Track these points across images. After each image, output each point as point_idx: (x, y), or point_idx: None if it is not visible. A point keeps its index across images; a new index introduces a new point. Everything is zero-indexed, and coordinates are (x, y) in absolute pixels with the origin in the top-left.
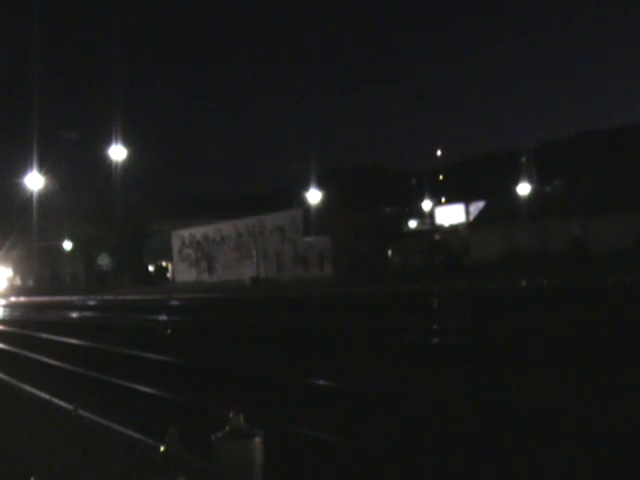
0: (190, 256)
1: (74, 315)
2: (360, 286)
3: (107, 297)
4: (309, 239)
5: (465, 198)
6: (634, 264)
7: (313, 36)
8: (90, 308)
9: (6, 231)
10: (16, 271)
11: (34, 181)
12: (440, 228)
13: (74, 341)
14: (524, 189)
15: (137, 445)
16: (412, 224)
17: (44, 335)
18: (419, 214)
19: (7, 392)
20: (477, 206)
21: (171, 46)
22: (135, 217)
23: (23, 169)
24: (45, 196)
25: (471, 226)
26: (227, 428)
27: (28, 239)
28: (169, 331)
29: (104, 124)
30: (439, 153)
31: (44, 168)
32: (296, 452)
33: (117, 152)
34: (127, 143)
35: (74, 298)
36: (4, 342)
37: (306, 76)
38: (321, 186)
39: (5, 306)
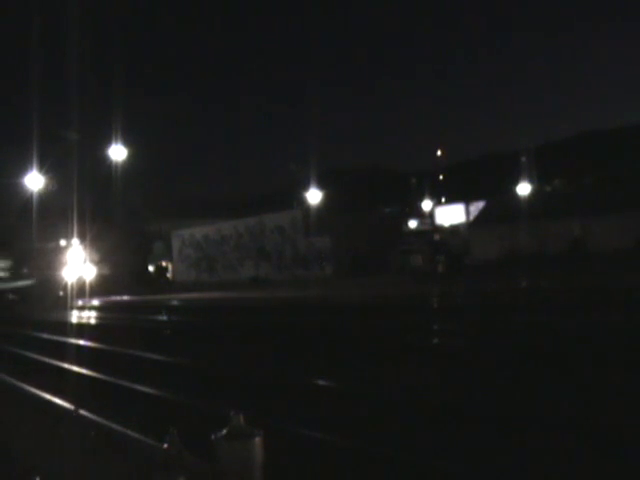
0: (190, 256)
1: None
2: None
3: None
4: (311, 239)
5: (465, 198)
6: (635, 264)
7: (313, 36)
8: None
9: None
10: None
11: (34, 181)
12: (440, 228)
13: None
14: (524, 189)
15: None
16: (412, 224)
17: None
18: (419, 214)
19: None
20: (477, 206)
21: (171, 46)
22: (136, 217)
23: (23, 169)
24: (50, 195)
25: (471, 226)
26: (227, 428)
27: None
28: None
29: (104, 124)
30: (439, 153)
31: (44, 168)
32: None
33: (117, 152)
34: (127, 143)
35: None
36: None
37: (306, 76)
38: (321, 186)
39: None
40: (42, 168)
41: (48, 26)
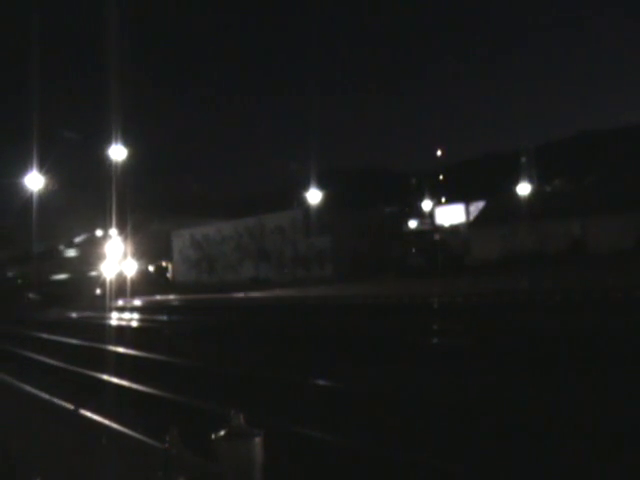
0: (190, 256)
1: None
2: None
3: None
4: (311, 239)
5: (465, 198)
6: (634, 265)
7: (313, 36)
8: None
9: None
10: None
11: (34, 181)
12: (440, 228)
13: None
14: (524, 189)
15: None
16: (412, 224)
17: None
18: (419, 214)
19: None
20: (477, 206)
21: (171, 46)
22: (137, 216)
23: (24, 169)
24: (54, 194)
25: (471, 226)
26: (227, 428)
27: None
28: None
29: (104, 124)
30: (439, 153)
31: (44, 168)
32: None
33: (117, 152)
34: (127, 143)
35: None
36: None
37: (306, 76)
38: (321, 186)
39: None
40: (42, 168)
41: (48, 26)
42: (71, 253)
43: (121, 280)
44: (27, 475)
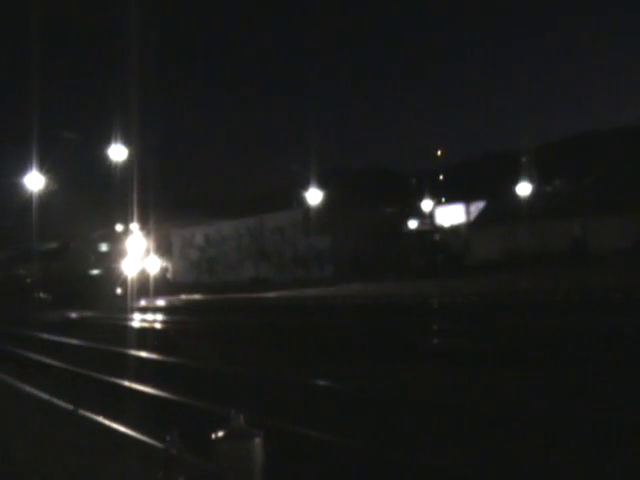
0: (190, 256)
1: None
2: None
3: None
4: (311, 239)
5: (465, 198)
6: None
7: (314, 36)
8: None
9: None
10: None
11: (34, 181)
12: (440, 228)
13: None
14: (524, 189)
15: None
16: (412, 224)
17: None
18: (419, 214)
19: None
20: (477, 206)
21: (171, 46)
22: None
23: (24, 169)
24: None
25: (471, 226)
26: (227, 428)
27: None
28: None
29: (105, 124)
30: (439, 153)
31: (45, 168)
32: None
33: (117, 152)
34: (127, 143)
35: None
36: None
37: (306, 76)
38: (321, 186)
39: None
40: (42, 168)
41: (49, 25)
42: (104, 248)
43: (143, 278)
44: (27, 475)
